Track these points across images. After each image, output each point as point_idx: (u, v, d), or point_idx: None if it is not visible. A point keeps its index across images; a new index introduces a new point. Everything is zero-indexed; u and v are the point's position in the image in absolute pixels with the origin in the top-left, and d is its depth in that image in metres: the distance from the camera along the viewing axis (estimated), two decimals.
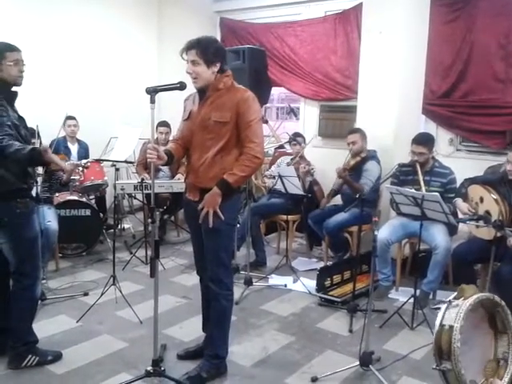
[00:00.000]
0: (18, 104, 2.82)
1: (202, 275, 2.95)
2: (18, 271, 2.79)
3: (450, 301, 2.37)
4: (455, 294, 2.43)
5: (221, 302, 2.77)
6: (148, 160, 2.63)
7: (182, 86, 2.57)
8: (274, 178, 4.89)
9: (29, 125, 4.10)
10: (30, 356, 2.86)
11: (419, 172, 3.81)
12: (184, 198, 2.89)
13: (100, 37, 6.13)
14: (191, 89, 2.73)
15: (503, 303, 2.43)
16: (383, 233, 3.93)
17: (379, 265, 3.97)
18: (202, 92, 2.71)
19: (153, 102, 2.52)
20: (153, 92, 2.52)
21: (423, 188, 3.72)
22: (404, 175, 4.05)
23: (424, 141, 3.97)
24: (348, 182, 4.44)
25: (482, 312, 2.45)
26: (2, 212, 2.69)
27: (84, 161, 4.69)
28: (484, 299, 2.39)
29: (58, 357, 2.97)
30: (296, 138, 5.08)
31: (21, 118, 2.80)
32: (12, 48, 2.71)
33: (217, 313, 2.82)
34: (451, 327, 2.25)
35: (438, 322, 2.34)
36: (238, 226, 4.67)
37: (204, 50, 2.59)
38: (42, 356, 2.91)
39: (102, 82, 6.18)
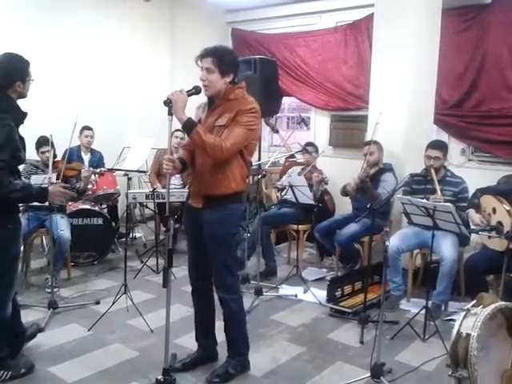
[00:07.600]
0: (33, 113, 2.80)
1: (196, 285, 2.97)
2: None
3: (468, 308, 2.34)
4: (474, 301, 2.40)
5: (231, 307, 2.85)
6: (164, 171, 2.68)
7: (197, 91, 2.61)
8: (283, 189, 4.89)
9: (42, 134, 4.19)
10: (1, 372, 2.78)
11: (434, 178, 3.80)
12: (186, 205, 2.91)
13: (113, 48, 6.22)
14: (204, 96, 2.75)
15: None
16: (394, 241, 3.91)
17: (390, 274, 3.94)
18: (211, 100, 2.74)
19: (170, 113, 2.55)
20: (170, 104, 2.54)
21: (439, 192, 3.73)
22: (416, 184, 4.04)
23: (439, 145, 4.03)
24: (368, 188, 4.36)
25: (501, 319, 2.41)
26: None
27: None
28: (503, 308, 2.35)
29: (30, 368, 2.88)
30: (306, 148, 5.08)
31: (21, 139, 2.65)
32: (29, 62, 2.70)
33: (229, 317, 2.89)
34: (468, 335, 2.22)
35: (455, 330, 2.30)
36: (248, 235, 4.68)
37: (220, 58, 2.60)
38: (15, 369, 2.82)
39: (116, 92, 6.26)
